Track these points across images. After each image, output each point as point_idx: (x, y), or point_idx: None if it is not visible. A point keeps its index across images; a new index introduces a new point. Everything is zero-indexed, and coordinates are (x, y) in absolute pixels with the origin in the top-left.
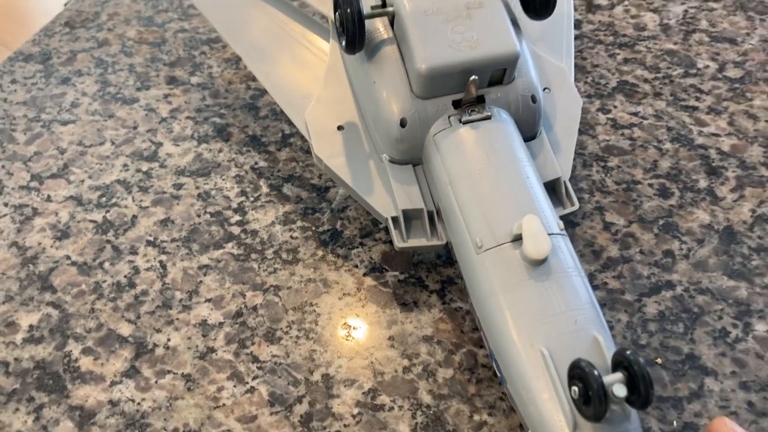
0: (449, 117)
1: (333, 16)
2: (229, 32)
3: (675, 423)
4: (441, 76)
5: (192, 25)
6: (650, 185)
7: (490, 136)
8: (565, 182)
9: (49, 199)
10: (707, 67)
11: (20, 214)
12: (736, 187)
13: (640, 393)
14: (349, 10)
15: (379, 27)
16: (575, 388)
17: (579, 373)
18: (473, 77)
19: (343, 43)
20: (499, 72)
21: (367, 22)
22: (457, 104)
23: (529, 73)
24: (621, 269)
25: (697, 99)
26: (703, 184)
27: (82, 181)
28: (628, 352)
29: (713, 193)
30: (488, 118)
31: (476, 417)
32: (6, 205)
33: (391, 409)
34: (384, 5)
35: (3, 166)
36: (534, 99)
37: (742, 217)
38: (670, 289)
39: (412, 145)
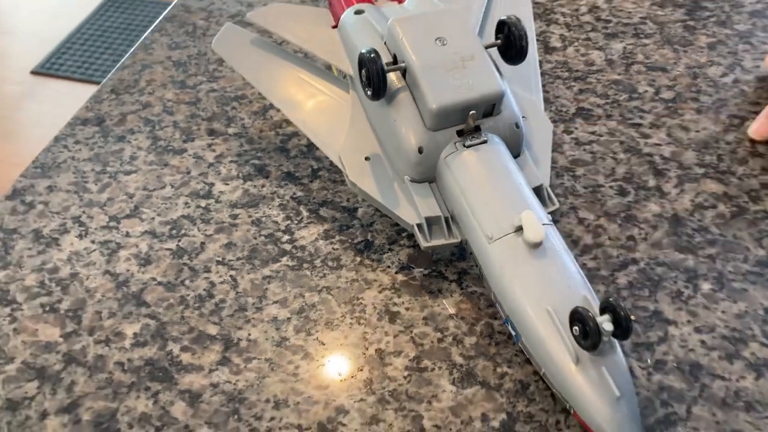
0: (455, 143)
1: (359, 73)
2: (267, 90)
3: (649, 360)
4: (447, 113)
5: (220, 85)
6: (611, 187)
7: (488, 155)
8: (546, 188)
9: (128, 234)
10: (646, 91)
11: (107, 249)
12: (678, 184)
13: (622, 327)
14: (374, 68)
15: (393, 79)
16: (576, 328)
17: (578, 316)
18: (472, 112)
19: (369, 92)
20: (490, 107)
21: None
22: (460, 133)
23: (511, 106)
24: (595, 253)
25: (641, 117)
26: (652, 183)
27: (153, 218)
28: (611, 299)
29: (660, 190)
30: (485, 142)
31: (498, 369)
32: (93, 242)
33: (432, 369)
34: (395, 62)
35: (84, 212)
36: (517, 125)
37: (684, 206)
38: (634, 265)
39: (427, 167)
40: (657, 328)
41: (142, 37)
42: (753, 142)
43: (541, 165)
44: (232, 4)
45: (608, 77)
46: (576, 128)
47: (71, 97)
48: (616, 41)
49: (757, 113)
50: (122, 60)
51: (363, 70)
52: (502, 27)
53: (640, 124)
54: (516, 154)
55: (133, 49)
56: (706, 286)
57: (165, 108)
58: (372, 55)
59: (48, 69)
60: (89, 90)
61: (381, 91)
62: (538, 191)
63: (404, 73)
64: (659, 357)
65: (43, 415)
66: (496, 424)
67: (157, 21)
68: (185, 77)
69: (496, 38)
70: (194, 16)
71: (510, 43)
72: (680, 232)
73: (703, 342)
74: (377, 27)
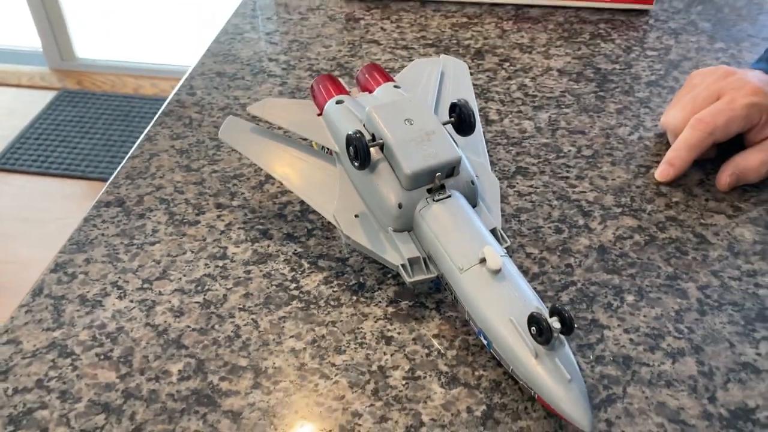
0: (426, 198)
1: (347, 149)
2: (269, 167)
3: (591, 356)
4: (419, 176)
5: (220, 167)
6: (549, 228)
7: (453, 207)
8: (499, 229)
9: (160, 293)
10: (570, 150)
11: (144, 306)
12: (601, 221)
13: (567, 325)
14: (360, 145)
15: (373, 152)
16: (533, 328)
17: (534, 319)
18: (438, 174)
19: (357, 164)
20: (451, 169)
21: None
22: (429, 190)
23: (467, 168)
24: (542, 279)
25: (567, 171)
26: (581, 222)
27: (180, 278)
28: (557, 305)
29: (588, 227)
30: (449, 196)
31: (476, 373)
32: (132, 301)
33: (424, 377)
34: (374, 139)
35: (120, 278)
36: (473, 182)
37: (608, 238)
38: (573, 286)
39: (406, 219)
40: (595, 332)
41: (146, 131)
42: (658, 184)
43: (493, 212)
44: (220, 98)
45: (539, 141)
46: (517, 183)
47: (29, 191)
48: (542, 112)
49: (659, 161)
50: (131, 151)
51: (351, 147)
52: (455, 108)
53: (567, 177)
54: (473, 205)
55: (139, 141)
56: (630, 298)
57: (176, 188)
58: (358, 135)
59: (5, 165)
60: (47, 182)
61: (366, 162)
62: (493, 232)
63: (382, 147)
64: (598, 353)
65: None
66: (479, 413)
67: (157, 116)
68: (189, 162)
69: (450, 116)
70: (189, 110)
71: (462, 120)
72: (606, 258)
73: (630, 339)
74: (356, 113)
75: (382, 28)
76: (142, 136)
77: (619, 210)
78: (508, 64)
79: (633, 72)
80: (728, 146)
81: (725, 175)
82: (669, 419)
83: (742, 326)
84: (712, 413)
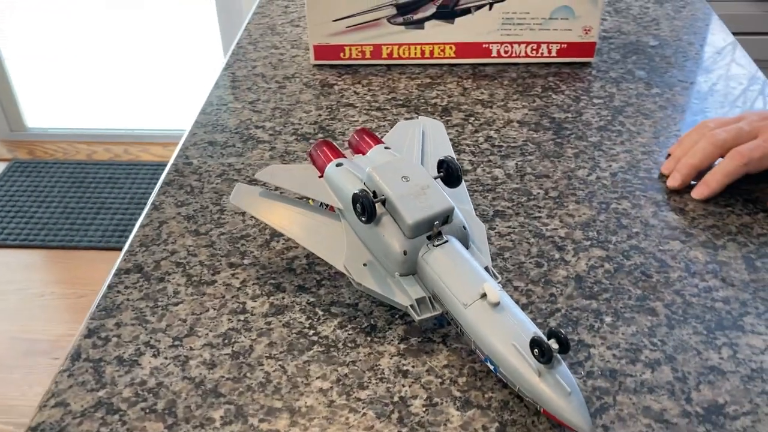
0: (427, 245)
1: (353, 206)
2: (279, 226)
3: (582, 372)
4: (419, 224)
5: (227, 229)
6: (530, 263)
7: (451, 250)
8: (490, 267)
9: (191, 349)
10: (539, 193)
11: (178, 361)
12: (575, 254)
13: (564, 345)
14: (366, 201)
15: (377, 206)
16: (536, 350)
17: (536, 342)
18: (436, 222)
19: (364, 219)
20: (446, 217)
21: None
22: (429, 237)
23: (459, 216)
24: (530, 308)
25: (539, 212)
26: (557, 256)
27: (207, 333)
28: (553, 328)
29: (564, 260)
30: (447, 241)
31: (486, 395)
32: (166, 358)
33: (442, 403)
34: (375, 196)
35: (151, 337)
36: (464, 227)
37: (582, 268)
38: (558, 312)
39: (410, 264)
40: (582, 351)
41: (150, 199)
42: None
43: (483, 252)
44: (216, 165)
45: (510, 186)
46: (497, 225)
47: None
48: (509, 160)
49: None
50: (140, 220)
51: (358, 204)
52: (443, 164)
53: (539, 217)
54: (467, 247)
55: (146, 210)
56: (608, 319)
57: (189, 252)
58: (364, 193)
59: None
60: (6, 254)
61: (372, 216)
62: (485, 270)
63: (384, 202)
64: (588, 369)
65: None
66: (493, 430)
67: (158, 185)
68: (197, 227)
69: (439, 171)
70: (188, 179)
71: (450, 174)
72: (583, 285)
73: (614, 355)
74: (356, 173)
75: (355, 92)
76: (148, 206)
77: (589, 243)
78: (473, 118)
79: (584, 119)
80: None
81: None
82: (655, 420)
83: (705, 335)
84: (690, 412)
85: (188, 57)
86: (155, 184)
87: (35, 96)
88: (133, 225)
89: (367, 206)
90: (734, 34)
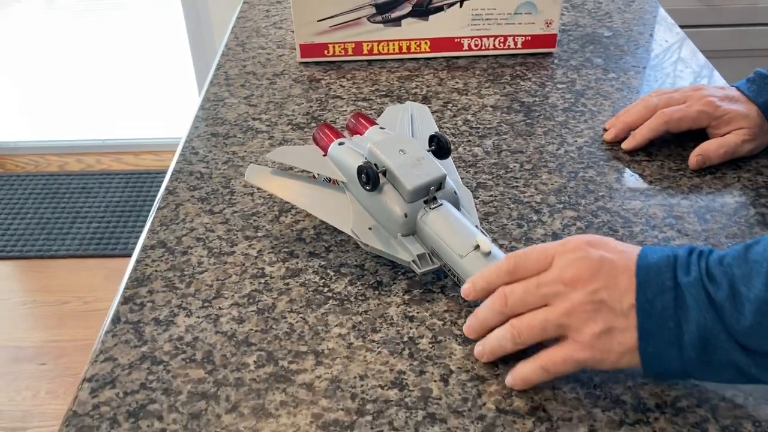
0: (424, 208)
1: (358, 176)
2: (291, 199)
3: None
4: (417, 190)
5: (238, 207)
6: (512, 224)
7: (445, 211)
8: (479, 227)
9: (220, 308)
10: (515, 167)
11: (210, 319)
12: (550, 215)
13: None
14: (371, 172)
15: (379, 176)
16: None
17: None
18: (431, 188)
19: (369, 187)
20: (439, 183)
21: None
22: (425, 202)
23: (450, 183)
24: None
25: (516, 182)
26: (535, 218)
27: (233, 295)
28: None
29: (541, 221)
30: (441, 204)
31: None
32: (198, 317)
33: (445, 340)
34: (377, 167)
35: (182, 301)
36: (455, 193)
37: (557, 227)
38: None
39: (410, 225)
40: None
41: (164, 184)
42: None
43: (472, 214)
44: (221, 154)
45: (489, 162)
46: (480, 195)
47: None
48: (486, 139)
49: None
50: (156, 203)
51: (363, 175)
52: (434, 138)
53: (517, 186)
54: (458, 209)
55: (160, 193)
56: None
57: (206, 229)
58: (368, 164)
59: None
60: None
61: (376, 185)
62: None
63: (384, 173)
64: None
65: (218, 416)
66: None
67: (170, 172)
68: (210, 207)
69: (430, 146)
70: (197, 166)
71: (440, 147)
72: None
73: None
74: (357, 150)
75: (341, 86)
76: (161, 191)
77: (561, 206)
78: (451, 105)
79: (550, 102)
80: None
81: (693, 156)
82: None
83: None
84: None
85: (156, 65)
86: (130, 192)
87: (4, 110)
88: (110, 232)
89: (372, 176)
90: (679, 26)
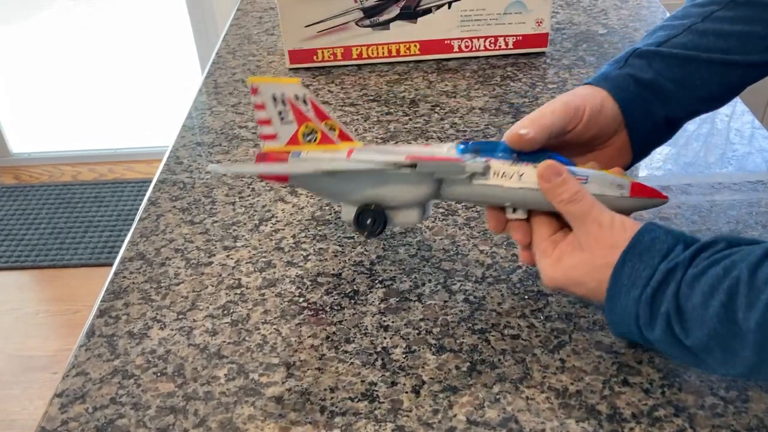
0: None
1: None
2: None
3: (541, 317)
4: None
5: (219, 218)
6: None
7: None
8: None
9: (194, 320)
10: None
11: (183, 332)
12: None
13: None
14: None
15: None
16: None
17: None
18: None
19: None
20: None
21: None
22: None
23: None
24: (494, 267)
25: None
26: None
27: (207, 307)
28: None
29: None
30: None
31: (458, 341)
32: (172, 329)
33: (419, 350)
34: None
35: (157, 314)
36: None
37: None
38: (519, 269)
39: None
40: (541, 300)
41: (147, 195)
42: None
43: None
44: (205, 163)
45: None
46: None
47: None
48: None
49: None
50: (138, 214)
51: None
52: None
53: None
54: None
55: (143, 204)
56: None
57: (185, 239)
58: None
59: None
60: None
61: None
62: None
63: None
64: (546, 314)
65: (185, 430)
66: (465, 369)
67: (153, 182)
68: (191, 217)
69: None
70: (180, 176)
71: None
72: None
73: (569, 301)
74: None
75: (329, 91)
76: (144, 202)
77: None
78: (438, 108)
79: (539, 103)
80: None
81: None
82: (605, 352)
83: None
84: (638, 344)
85: (166, 74)
86: (142, 200)
87: (18, 122)
88: (122, 240)
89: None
90: None
